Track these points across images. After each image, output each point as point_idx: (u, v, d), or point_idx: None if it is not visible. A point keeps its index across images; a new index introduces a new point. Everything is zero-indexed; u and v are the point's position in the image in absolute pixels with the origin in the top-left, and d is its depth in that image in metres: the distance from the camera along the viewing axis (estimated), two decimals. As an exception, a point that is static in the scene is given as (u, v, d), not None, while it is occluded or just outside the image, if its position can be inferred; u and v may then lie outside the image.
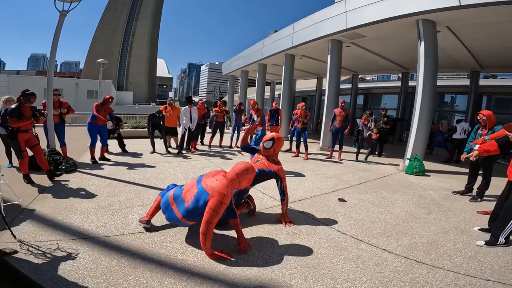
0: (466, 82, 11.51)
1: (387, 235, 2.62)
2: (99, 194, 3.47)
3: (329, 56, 8.11)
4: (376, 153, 7.98)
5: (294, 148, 7.43)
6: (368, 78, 26.92)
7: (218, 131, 8.01)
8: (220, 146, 8.06)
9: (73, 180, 4.08)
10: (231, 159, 6.40)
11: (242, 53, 15.22)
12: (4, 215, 2.14)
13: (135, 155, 6.36)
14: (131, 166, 5.10)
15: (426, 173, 5.70)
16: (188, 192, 2.21)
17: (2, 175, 2.24)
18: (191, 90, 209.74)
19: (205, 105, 7.83)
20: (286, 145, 7.52)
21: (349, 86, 15.75)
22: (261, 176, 2.73)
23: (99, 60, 15.92)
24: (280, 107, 11.22)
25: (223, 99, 10.79)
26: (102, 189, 3.67)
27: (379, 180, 4.95)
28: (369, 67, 12.77)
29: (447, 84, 13.75)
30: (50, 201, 3.18)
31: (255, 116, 6.23)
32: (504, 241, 2.41)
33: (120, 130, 6.98)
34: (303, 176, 4.96)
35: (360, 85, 16.54)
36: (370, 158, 6.97)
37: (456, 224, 2.99)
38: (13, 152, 4.22)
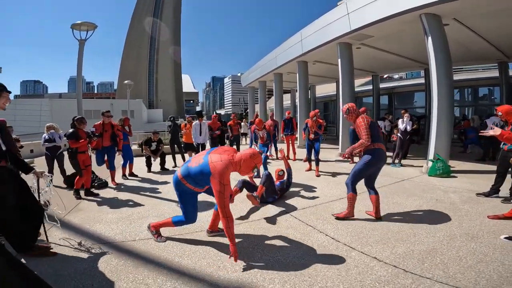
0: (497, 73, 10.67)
1: (384, 243, 2.52)
2: (122, 207, 3.89)
3: (339, 59, 8.08)
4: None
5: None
6: (396, 76, 25.61)
7: (235, 143, 8.22)
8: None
9: (104, 195, 4.57)
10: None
11: (258, 64, 15.62)
12: (44, 223, 2.57)
13: (160, 171, 6.77)
14: (153, 181, 5.55)
15: (452, 174, 5.37)
16: (194, 158, 2.40)
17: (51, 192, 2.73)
18: (217, 103, 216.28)
19: (221, 119, 8.14)
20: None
21: (370, 87, 15.29)
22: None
23: (125, 82, 17.29)
24: (297, 115, 11.30)
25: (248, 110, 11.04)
26: (126, 202, 4.11)
27: (396, 185, 4.76)
28: (387, 66, 12.36)
29: (477, 77, 12.77)
30: (82, 213, 3.63)
31: (259, 133, 5.69)
32: None
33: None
34: (313, 184, 4.92)
35: (383, 85, 15.96)
36: (389, 160, 6.79)
37: (468, 230, 2.77)
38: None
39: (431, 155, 5.69)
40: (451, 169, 5.52)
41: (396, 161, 6.62)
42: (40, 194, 2.65)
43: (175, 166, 7.32)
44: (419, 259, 2.21)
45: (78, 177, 4.49)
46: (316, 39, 8.52)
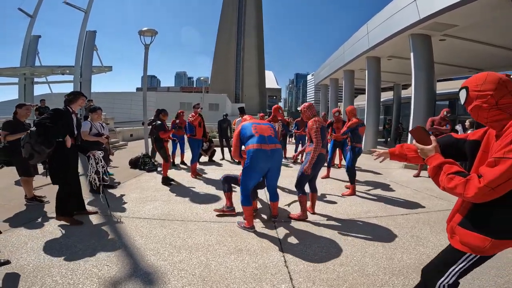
0: None
1: (333, 286, 1.96)
2: (148, 189, 4.54)
3: (411, 53, 6.73)
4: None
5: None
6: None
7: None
8: (285, 157, 8.14)
9: (147, 178, 5.42)
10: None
11: (328, 61, 14.73)
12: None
13: (208, 162, 7.43)
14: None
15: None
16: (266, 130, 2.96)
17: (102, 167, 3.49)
18: (299, 100, 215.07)
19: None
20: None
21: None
22: None
23: (202, 78, 19.54)
24: (365, 117, 10.07)
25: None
26: (154, 186, 4.74)
27: (444, 213, 3.65)
28: (497, 62, 9.39)
29: None
30: (122, 190, 4.41)
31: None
32: None
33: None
34: (341, 197, 4.35)
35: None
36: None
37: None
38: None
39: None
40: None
41: None
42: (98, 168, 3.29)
43: (223, 158, 7.88)
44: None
45: (164, 163, 4.84)
46: (383, 32, 7.36)
